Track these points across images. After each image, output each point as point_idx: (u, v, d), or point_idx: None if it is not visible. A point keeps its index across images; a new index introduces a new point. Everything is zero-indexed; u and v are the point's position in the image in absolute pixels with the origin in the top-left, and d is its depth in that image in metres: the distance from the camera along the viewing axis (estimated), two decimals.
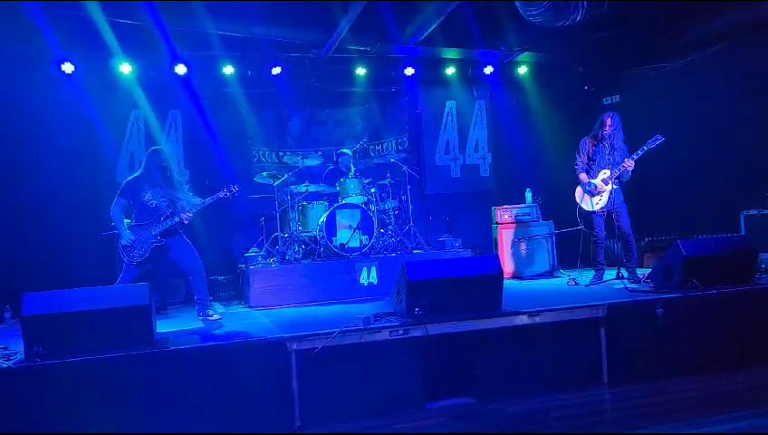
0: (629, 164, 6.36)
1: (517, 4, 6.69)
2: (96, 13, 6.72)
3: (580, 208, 6.67)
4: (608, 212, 6.53)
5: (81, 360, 4.00)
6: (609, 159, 6.46)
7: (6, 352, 4.40)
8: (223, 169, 8.10)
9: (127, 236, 5.52)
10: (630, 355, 4.92)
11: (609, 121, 6.47)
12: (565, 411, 4.31)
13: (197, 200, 5.80)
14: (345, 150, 8.51)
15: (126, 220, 5.65)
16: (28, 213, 7.27)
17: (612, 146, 6.45)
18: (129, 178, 5.74)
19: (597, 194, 6.53)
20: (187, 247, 5.76)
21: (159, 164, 5.69)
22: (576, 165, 6.70)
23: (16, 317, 5.98)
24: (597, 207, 6.55)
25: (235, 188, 5.87)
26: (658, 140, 6.30)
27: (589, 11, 6.55)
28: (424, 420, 4.32)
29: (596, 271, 6.73)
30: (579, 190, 6.71)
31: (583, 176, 6.63)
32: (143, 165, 5.77)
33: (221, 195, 5.80)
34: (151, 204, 5.63)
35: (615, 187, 6.49)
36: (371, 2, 6.88)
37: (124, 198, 5.63)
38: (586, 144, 6.68)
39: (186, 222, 5.66)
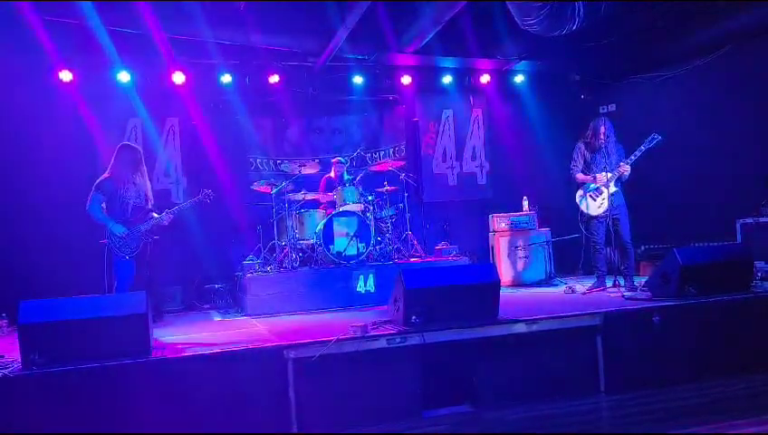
0: (625, 168, 6.40)
1: (513, 13, 6.73)
2: (94, 21, 6.74)
3: (582, 212, 6.67)
4: (608, 218, 6.52)
5: (79, 368, 3.98)
6: (606, 164, 6.48)
7: (2, 360, 4.38)
8: (220, 176, 8.11)
9: (120, 229, 5.50)
10: (627, 363, 4.92)
11: (603, 130, 6.50)
12: (562, 419, 4.31)
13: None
14: (339, 158, 8.55)
15: None
16: (25, 220, 7.27)
17: (608, 152, 6.48)
18: (103, 177, 5.71)
19: (598, 195, 6.53)
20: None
21: (134, 159, 5.71)
22: (571, 169, 6.72)
23: (12, 325, 5.96)
24: (598, 212, 6.55)
25: (210, 193, 6.07)
26: (655, 139, 6.30)
27: (585, 19, 6.59)
28: (421, 428, 4.32)
29: (596, 278, 6.74)
30: (580, 193, 6.71)
31: (581, 176, 6.65)
32: (114, 161, 5.74)
33: (196, 200, 6.02)
34: (131, 202, 5.65)
35: (616, 189, 6.51)
36: (371, 1, 6.84)
37: (103, 193, 5.61)
38: (581, 150, 6.71)
39: (166, 223, 5.79)
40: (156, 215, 5.86)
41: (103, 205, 5.68)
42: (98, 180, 5.74)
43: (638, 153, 6.36)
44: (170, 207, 6.07)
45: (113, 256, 5.63)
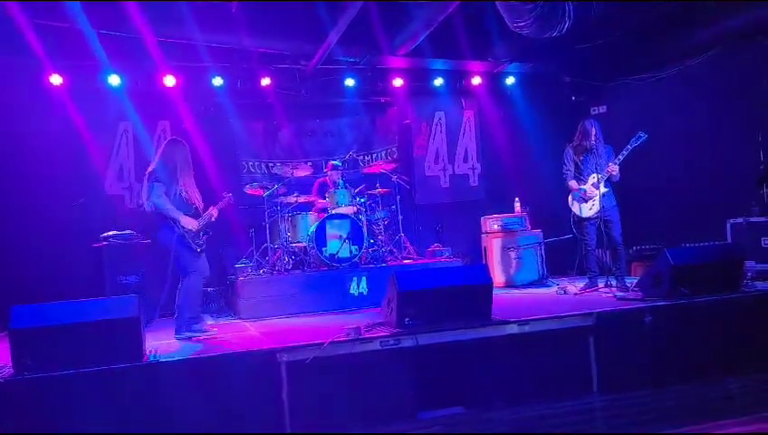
0: (613, 169, 6.42)
1: (504, 15, 6.75)
2: (84, 24, 6.71)
3: (574, 214, 6.70)
4: (599, 219, 6.54)
5: (71, 373, 3.96)
6: (596, 166, 6.51)
7: None
8: (212, 180, 8.07)
9: (192, 222, 5.18)
10: (620, 363, 4.94)
11: (594, 131, 6.52)
12: (556, 420, 4.32)
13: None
14: (335, 162, 8.54)
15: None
16: (16, 224, 7.22)
17: (598, 153, 6.51)
18: (157, 168, 5.29)
19: (588, 199, 6.57)
20: None
21: (187, 157, 5.42)
22: (564, 174, 6.75)
23: (3, 331, 5.91)
24: (590, 213, 6.59)
25: (231, 195, 5.83)
26: (641, 138, 6.30)
27: (575, 21, 6.62)
28: (415, 429, 4.32)
29: (588, 279, 6.77)
30: (571, 196, 6.74)
31: (573, 183, 6.68)
32: (165, 158, 5.33)
33: (222, 204, 5.69)
34: (185, 197, 5.34)
35: (606, 189, 6.53)
36: (363, 1, 6.82)
37: (163, 183, 5.20)
38: (571, 154, 6.73)
39: (214, 219, 5.49)
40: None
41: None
42: (149, 170, 5.30)
43: (624, 152, 6.37)
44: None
45: (184, 250, 5.22)
